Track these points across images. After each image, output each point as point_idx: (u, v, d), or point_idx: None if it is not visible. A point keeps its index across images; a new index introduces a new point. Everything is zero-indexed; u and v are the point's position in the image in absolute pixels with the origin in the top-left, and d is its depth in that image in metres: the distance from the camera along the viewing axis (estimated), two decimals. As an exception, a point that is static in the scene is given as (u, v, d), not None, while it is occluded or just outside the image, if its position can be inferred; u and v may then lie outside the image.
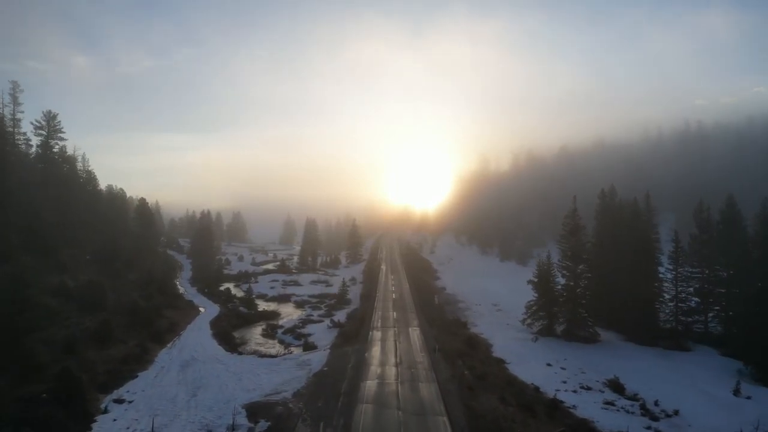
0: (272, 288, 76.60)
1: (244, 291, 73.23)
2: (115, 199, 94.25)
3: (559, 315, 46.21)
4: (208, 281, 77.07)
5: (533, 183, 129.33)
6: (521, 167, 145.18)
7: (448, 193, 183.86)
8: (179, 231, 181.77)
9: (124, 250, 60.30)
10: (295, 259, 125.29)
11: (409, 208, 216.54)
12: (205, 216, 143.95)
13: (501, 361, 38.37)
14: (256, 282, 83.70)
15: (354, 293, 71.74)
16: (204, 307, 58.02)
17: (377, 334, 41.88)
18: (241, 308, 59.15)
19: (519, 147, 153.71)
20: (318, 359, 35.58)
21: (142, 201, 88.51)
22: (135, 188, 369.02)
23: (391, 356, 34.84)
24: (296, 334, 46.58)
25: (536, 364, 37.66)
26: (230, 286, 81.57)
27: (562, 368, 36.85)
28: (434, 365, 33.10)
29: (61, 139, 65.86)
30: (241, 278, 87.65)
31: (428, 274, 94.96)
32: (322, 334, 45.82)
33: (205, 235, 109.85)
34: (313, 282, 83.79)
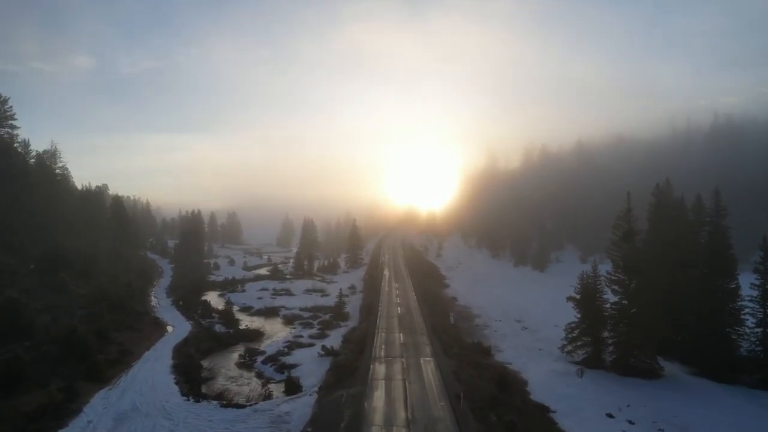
0: (260, 299, 67.28)
1: (227, 302, 64.17)
2: (90, 198, 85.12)
3: (608, 341, 36.81)
4: (188, 290, 67.87)
5: (547, 181, 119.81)
6: (533, 164, 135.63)
7: (455, 192, 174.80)
8: (172, 232, 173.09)
9: (76, 257, 51.03)
10: (291, 262, 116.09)
11: (412, 208, 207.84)
12: (196, 216, 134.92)
13: (545, 410, 28.95)
14: (243, 291, 74.47)
15: (353, 305, 62.44)
16: (173, 326, 48.79)
17: (380, 369, 32.55)
18: (218, 326, 49.91)
19: (531, 142, 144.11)
20: (300, 411, 26.26)
21: (117, 199, 79.48)
22: (132, 189, 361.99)
23: (399, 408, 25.49)
24: (279, 365, 37.26)
25: (593, 415, 28.24)
26: (215, 295, 72.49)
27: (630, 422, 27.38)
28: (460, 423, 23.82)
29: (13, 126, 56.96)
30: (227, 286, 78.47)
31: (436, 281, 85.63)
32: (311, 366, 36.47)
33: (191, 237, 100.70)
34: (307, 291, 74.47)
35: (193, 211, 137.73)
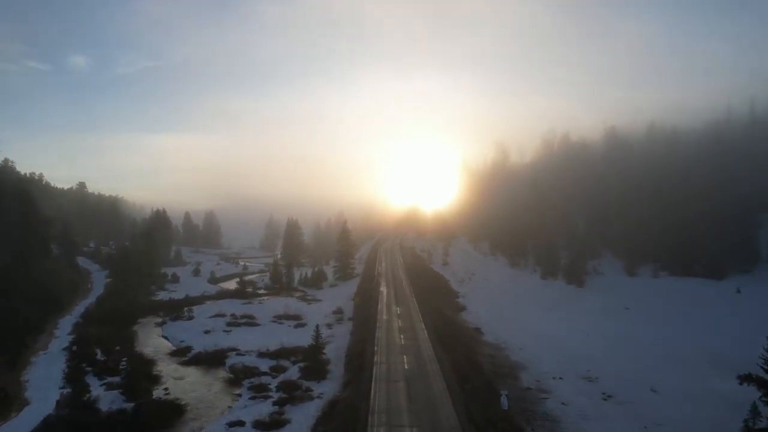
0: (208, 332, 47.97)
1: (161, 337, 45.28)
2: None
3: None
4: (108, 321, 48.50)
5: (573, 177, 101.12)
6: (554, 156, 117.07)
7: (460, 190, 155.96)
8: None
9: None
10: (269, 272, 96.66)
11: (412, 208, 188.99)
12: (161, 214, 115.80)
13: None
14: (191, 318, 55.11)
15: (337, 345, 43.42)
16: (32, 400, 29.49)
17: None
18: (114, 394, 30.63)
19: (550, 130, 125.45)
20: None
21: (24, 191, 59.63)
22: (128, 190, 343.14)
23: None
24: None
25: None
26: (153, 323, 53.51)
27: None
28: None
29: None
30: (174, 309, 59.18)
31: (448, 301, 66.71)
32: None
33: (143, 242, 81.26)
34: (278, 318, 55.02)
35: (157, 210, 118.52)
